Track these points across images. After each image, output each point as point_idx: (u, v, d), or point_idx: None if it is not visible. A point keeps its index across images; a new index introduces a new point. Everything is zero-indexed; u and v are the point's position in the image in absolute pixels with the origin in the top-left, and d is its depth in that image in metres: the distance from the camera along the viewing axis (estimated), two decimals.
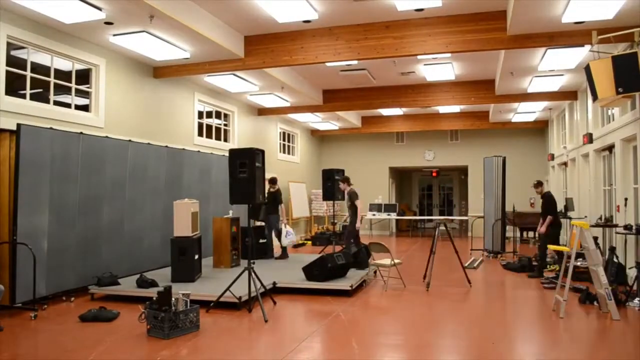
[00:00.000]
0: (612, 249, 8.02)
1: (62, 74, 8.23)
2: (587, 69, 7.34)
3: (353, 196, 10.24)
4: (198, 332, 5.73)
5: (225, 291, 6.69)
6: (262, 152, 7.20)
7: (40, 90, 7.86)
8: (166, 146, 9.81)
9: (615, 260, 7.91)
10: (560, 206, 12.29)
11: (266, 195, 10.96)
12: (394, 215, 18.71)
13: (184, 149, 10.48)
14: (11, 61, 7.28)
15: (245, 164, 6.79)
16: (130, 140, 8.81)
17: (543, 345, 5.34)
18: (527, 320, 6.49)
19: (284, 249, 11.13)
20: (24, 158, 6.69)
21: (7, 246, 6.70)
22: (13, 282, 6.60)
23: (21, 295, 6.64)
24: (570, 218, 12.18)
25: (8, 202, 6.77)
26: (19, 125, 6.68)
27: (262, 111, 14.90)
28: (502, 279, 9.32)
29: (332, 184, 11.85)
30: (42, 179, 6.98)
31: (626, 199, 8.34)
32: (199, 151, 11.02)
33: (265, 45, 9.06)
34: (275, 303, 7.15)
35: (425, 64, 10.94)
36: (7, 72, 7.15)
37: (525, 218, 15.50)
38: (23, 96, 7.50)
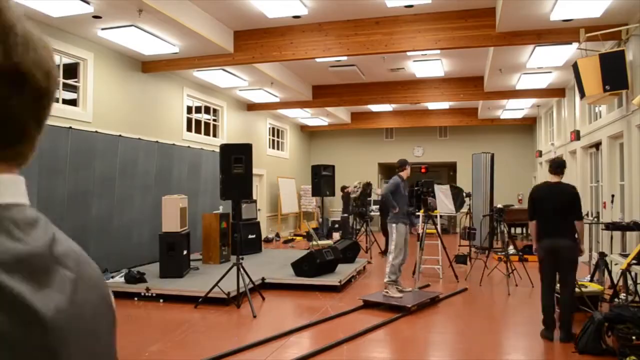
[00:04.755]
0: (602, 255, 7.83)
1: None
2: (575, 67, 7.41)
3: None
4: (187, 327, 5.73)
5: (213, 287, 6.68)
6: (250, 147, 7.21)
7: None
8: (156, 141, 9.76)
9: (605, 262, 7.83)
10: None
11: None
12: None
13: (173, 144, 10.43)
14: None
15: (242, 160, 6.77)
16: (120, 135, 8.75)
17: (529, 341, 5.40)
18: (514, 314, 6.55)
19: None
20: None
21: None
22: None
23: None
24: None
25: None
26: None
27: (251, 106, 14.86)
28: (490, 275, 9.40)
29: (320, 179, 11.84)
30: (29, 174, 6.91)
31: (613, 196, 8.43)
32: (189, 146, 10.99)
33: (254, 41, 9.03)
34: (264, 299, 7.16)
35: (414, 60, 10.97)
36: None
37: (513, 214, 15.59)
38: None
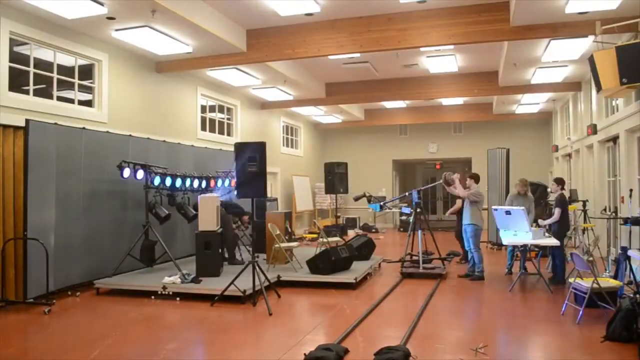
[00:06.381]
0: (624, 250, 7.74)
1: (65, 70, 8.24)
2: (591, 60, 7.30)
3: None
4: (203, 325, 5.76)
5: (229, 285, 6.71)
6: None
7: (44, 86, 7.87)
8: (175, 142, 9.81)
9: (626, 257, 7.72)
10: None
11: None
12: (396, 209, 18.68)
13: (191, 144, 10.49)
14: (14, 57, 7.29)
15: (256, 158, 6.79)
16: (133, 136, 8.79)
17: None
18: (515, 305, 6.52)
19: None
20: (32, 154, 6.70)
21: (16, 242, 6.72)
22: (24, 278, 6.64)
23: (32, 291, 6.68)
24: None
25: (13, 198, 6.79)
26: (27, 120, 6.69)
27: (265, 105, 14.89)
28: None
29: (333, 177, 11.81)
30: (49, 175, 7.00)
31: (631, 190, 8.31)
32: (206, 147, 11.07)
33: (267, 39, 9.05)
34: (279, 296, 7.17)
35: (428, 56, 10.90)
36: (10, 68, 7.17)
37: None
38: (27, 92, 7.52)
